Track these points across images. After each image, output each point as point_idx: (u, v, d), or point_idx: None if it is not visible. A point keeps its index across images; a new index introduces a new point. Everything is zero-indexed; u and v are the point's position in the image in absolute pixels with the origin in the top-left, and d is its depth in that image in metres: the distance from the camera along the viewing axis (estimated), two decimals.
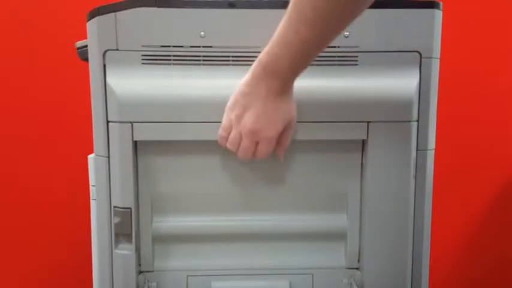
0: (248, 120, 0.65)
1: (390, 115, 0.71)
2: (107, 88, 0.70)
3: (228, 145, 0.68)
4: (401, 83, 0.71)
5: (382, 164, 0.72)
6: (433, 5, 0.71)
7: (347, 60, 0.71)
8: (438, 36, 0.72)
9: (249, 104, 0.65)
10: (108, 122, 0.71)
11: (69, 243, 1.28)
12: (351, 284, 0.77)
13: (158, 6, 0.69)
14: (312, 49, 0.61)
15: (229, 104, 0.67)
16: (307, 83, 0.70)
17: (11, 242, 1.28)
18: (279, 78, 0.63)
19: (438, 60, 0.73)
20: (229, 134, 0.68)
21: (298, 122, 0.71)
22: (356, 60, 0.71)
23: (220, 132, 0.69)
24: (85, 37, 0.72)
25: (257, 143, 0.67)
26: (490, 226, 1.33)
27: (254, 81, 0.64)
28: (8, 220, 1.27)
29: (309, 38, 0.59)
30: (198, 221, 0.76)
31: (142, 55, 0.70)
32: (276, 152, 0.69)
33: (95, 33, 0.70)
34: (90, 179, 0.77)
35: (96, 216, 0.75)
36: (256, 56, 0.70)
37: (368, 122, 0.71)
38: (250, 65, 0.70)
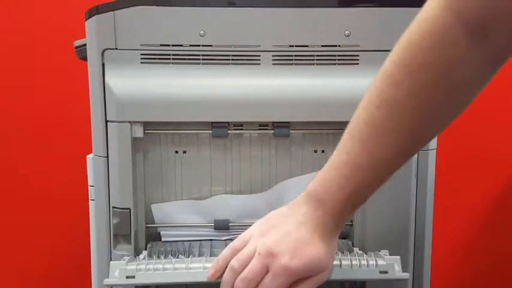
0: (271, 238, 0.51)
1: None
2: (106, 87, 0.69)
3: (234, 260, 0.53)
4: None
5: None
6: None
7: (348, 60, 0.71)
8: None
9: (281, 223, 0.52)
10: (106, 121, 0.70)
11: (68, 243, 1.27)
12: (352, 285, 0.76)
13: (157, 5, 0.68)
14: (369, 176, 0.49)
15: (259, 220, 0.55)
16: (308, 82, 0.70)
17: (9, 242, 1.28)
18: (325, 209, 0.50)
19: None
20: (241, 248, 0.53)
21: (299, 121, 0.71)
22: (357, 60, 0.70)
23: (233, 243, 0.54)
24: (83, 36, 0.72)
25: (267, 272, 0.51)
26: (492, 226, 1.32)
27: (295, 205, 0.53)
28: (6, 220, 1.27)
29: (363, 161, 0.48)
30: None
31: (141, 54, 0.69)
32: None
33: (93, 32, 0.69)
34: (88, 179, 0.76)
35: (95, 217, 0.74)
36: (256, 55, 0.70)
37: None
38: (250, 64, 0.70)
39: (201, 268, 0.62)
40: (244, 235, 0.54)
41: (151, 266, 0.62)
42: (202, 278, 0.60)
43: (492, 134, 1.28)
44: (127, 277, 0.61)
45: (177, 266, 0.63)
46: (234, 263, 0.52)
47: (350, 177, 0.49)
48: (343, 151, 0.49)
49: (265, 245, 0.51)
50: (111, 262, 0.65)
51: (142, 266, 0.62)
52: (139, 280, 0.61)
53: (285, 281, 0.50)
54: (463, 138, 1.28)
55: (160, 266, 0.62)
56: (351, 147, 0.48)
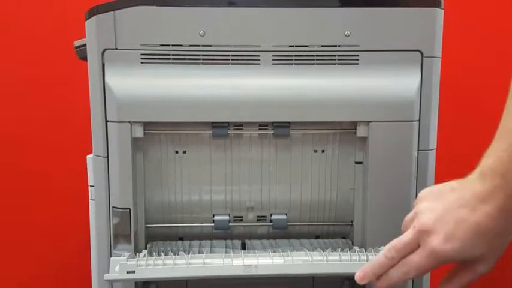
0: (429, 213, 0.49)
1: (391, 115, 0.70)
2: (106, 87, 0.69)
3: (390, 243, 0.52)
4: (403, 83, 0.71)
5: (383, 165, 0.72)
6: (434, 4, 0.70)
7: (348, 60, 0.70)
8: (440, 35, 0.72)
9: (445, 198, 0.49)
10: (106, 121, 0.70)
11: (68, 243, 1.27)
12: (352, 285, 0.76)
13: (157, 5, 0.68)
14: None
15: (428, 189, 0.53)
16: (308, 83, 0.70)
17: (9, 242, 1.28)
18: (502, 184, 0.45)
19: (440, 59, 0.73)
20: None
21: (299, 121, 0.71)
22: (357, 60, 0.70)
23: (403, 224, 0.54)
24: (84, 36, 0.72)
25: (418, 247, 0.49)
26: None
27: (467, 180, 0.48)
28: (6, 220, 1.27)
29: None
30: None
31: (141, 54, 0.69)
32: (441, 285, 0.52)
33: (93, 32, 0.69)
34: (88, 180, 0.76)
35: (95, 217, 0.74)
36: (256, 55, 0.70)
37: (369, 122, 0.70)
38: (250, 64, 0.70)
39: (201, 263, 0.62)
40: (409, 215, 0.53)
41: (151, 262, 0.62)
42: (203, 273, 0.59)
43: (492, 134, 1.27)
44: (127, 272, 0.61)
45: (177, 261, 0.63)
46: (394, 242, 0.52)
47: None
48: None
49: (421, 220, 0.49)
50: (112, 258, 0.65)
51: (142, 262, 0.62)
52: (139, 275, 0.61)
53: (431, 263, 0.48)
54: (463, 138, 1.28)
55: (160, 262, 0.63)
56: None
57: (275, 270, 0.64)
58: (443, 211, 0.48)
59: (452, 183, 0.50)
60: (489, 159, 0.47)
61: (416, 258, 0.49)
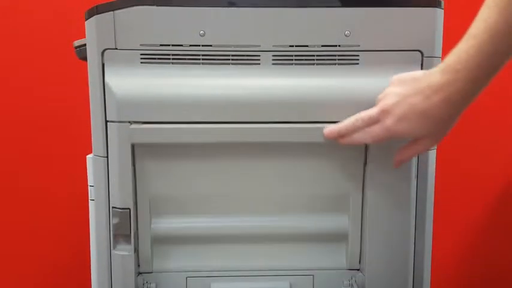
0: (391, 97, 0.59)
1: None
2: (106, 87, 0.69)
3: (360, 113, 0.63)
4: None
5: (384, 164, 0.71)
6: (435, 4, 0.70)
7: (348, 60, 0.70)
8: (440, 35, 0.72)
9: (408, 85, 0.58)
10: (106, 121, 0.70)
11: (68, 243, 1.27)
12: (352, 285, 0.76)
13: (157, 5, 0.68)
14: (503, 45, 0.50)
15: (400, 75, 0.62)
16: (308, 83, 0.70)
17: (9, 242, 1.28)
18: (457, 77, 0.53)
19: (440, 59, 0.72)
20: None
21: (298, 122, 0.71)
22: (357, 60, 0.70)
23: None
24: (83, 36, 0.72)
25: (376, 123, 0.61)
26: (492, 227, 1.32)
27: (430, 72, 0.56)
28: (6, 220, 1.27)
29: (498, 27, 0.49)
30: (197, 223, 0.76)
31: (141, 54, 0.69)
32: (395, 158, 0.66)
33: (93, 32, 0.69)
34: (88, 180, 0.76)
35: (95, 217, 0.74)
36: (256, 55, 0.70)
37: None
38: (250, 64, 0.70)
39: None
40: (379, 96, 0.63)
41: None
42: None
43: (493, 133, 1.28)
44: None
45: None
46: (359, 115, 0.64)
47: (486, 47, 0.51)
48: (481, 19, 0.52)
49: (385, 101, 0.60)
50: None
51: None
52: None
53: (385, 136, 0.61)
54: (464, 138, 1.28)
55: None
56: (488, 14, 0.51)
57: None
58: (402, 96, 0.58)
59: (418, 73, 0.59)
60: (451, 57, 0.54)
61: (375, 131, 0.62)
